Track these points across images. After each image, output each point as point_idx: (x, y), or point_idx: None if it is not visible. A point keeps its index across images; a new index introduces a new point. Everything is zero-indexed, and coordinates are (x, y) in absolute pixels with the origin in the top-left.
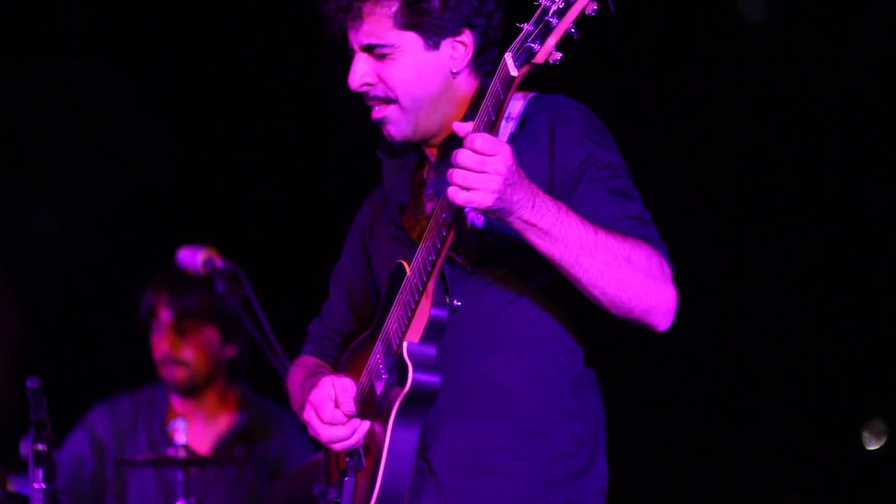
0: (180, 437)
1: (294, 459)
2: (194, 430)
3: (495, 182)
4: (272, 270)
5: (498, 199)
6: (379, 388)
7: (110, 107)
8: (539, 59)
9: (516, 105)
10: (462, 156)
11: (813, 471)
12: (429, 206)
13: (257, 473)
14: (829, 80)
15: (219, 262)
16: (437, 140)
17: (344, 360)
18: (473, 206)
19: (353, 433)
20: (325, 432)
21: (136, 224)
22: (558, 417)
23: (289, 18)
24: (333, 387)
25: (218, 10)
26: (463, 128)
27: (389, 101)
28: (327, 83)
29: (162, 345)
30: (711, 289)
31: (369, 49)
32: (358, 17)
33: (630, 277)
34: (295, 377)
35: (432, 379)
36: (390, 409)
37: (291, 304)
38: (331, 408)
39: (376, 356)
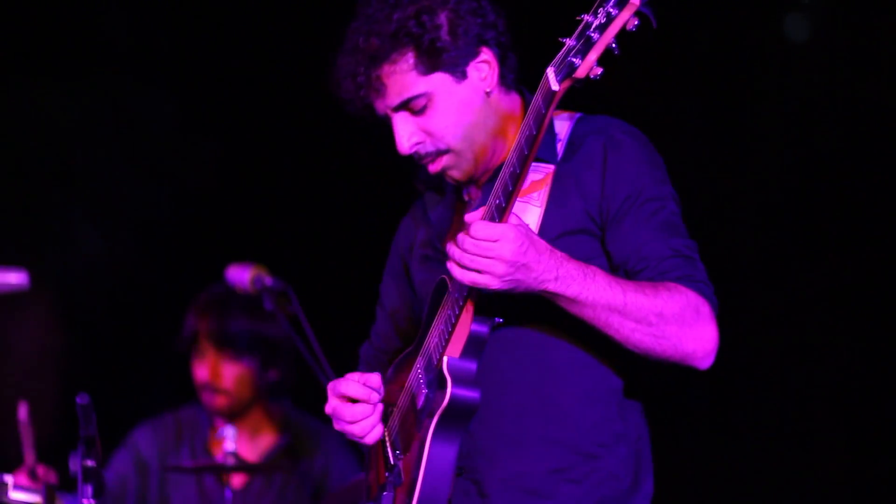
0: (229, 444)
1: (337, 476)
2: (239, 447)
3: (500, 267)
4: (321, 288)
5: (506, 281)
6: (419, 402)
7: (158, 124)
8: (580, 73)
9: (563, 125)
10: (465, 242)
11: (860, 494)
12: None
13: (301, 491)
14: (874, 99)
15: (268, 280)
16: (490, 161)
17: (388, 377)
18: (480, 287)
19: (374, 412)
20: (347, 411)
21: (183, 242)
22: (607, 439)
23: (339, 36)
24: (350, 375)
25: (266, 26)
26: (472, 217)
27: (441, 152)
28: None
29: (202, 372)
30: (760, 308)
31: (404, 106)
32: (380, 85)
33: (663, 331)
34: None
35: (471, 394)
36: (429, 423)
37: (340, 322)
38: (345, 383)
39: (417, 371)
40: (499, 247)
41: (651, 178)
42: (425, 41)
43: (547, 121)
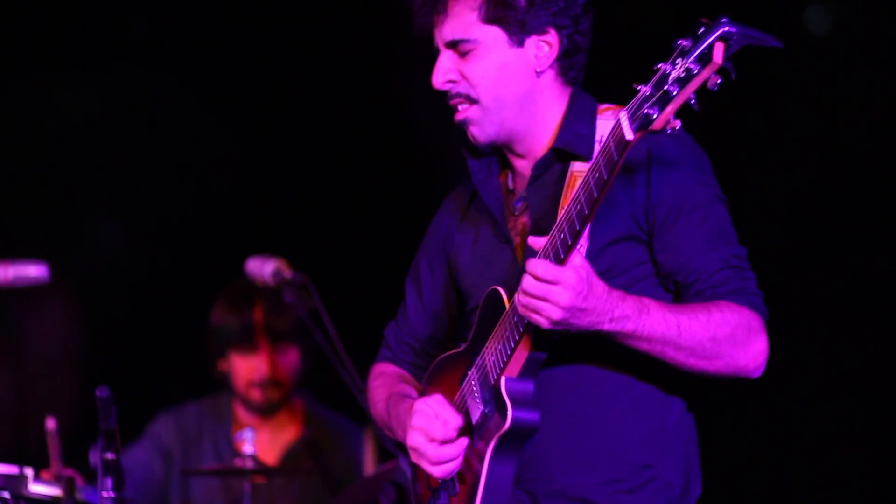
0: (248, 448)
1: (359, 471)
2: (262, 441)
3: (555, 312)
4: (341, 281)
5: (559, 323)
6: (475, 415)
7: (178, 117)
8: (657, 126)
9: (608, 126)
10: (526, 282)
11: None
12: (520, 221)
13: (324, 485)
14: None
15: (288, 273)
16: (524, 148)
17: (428, 376)
18: (537, 324)
19: (460, 453)
20: (435, 452)
21: (203, 235)
22: (660, 450)
23: (360, 29)
24: (430, 406)
25: (286, 19)
26: (536, 242)
27: (471, 100)
28: (397, 90)
29: (261, 368)
30: (790, 310)
31: (453, 45)
32: (443, 12)
33: (716, 353)
34: (377, 391)
35: (531, 416)
36: (488, 443)
37: (360, 316)
38: (440, 426)
39: (471, 383)
40: (558, 291)
41: (697, 182)
42: None
43: (619, 167)
